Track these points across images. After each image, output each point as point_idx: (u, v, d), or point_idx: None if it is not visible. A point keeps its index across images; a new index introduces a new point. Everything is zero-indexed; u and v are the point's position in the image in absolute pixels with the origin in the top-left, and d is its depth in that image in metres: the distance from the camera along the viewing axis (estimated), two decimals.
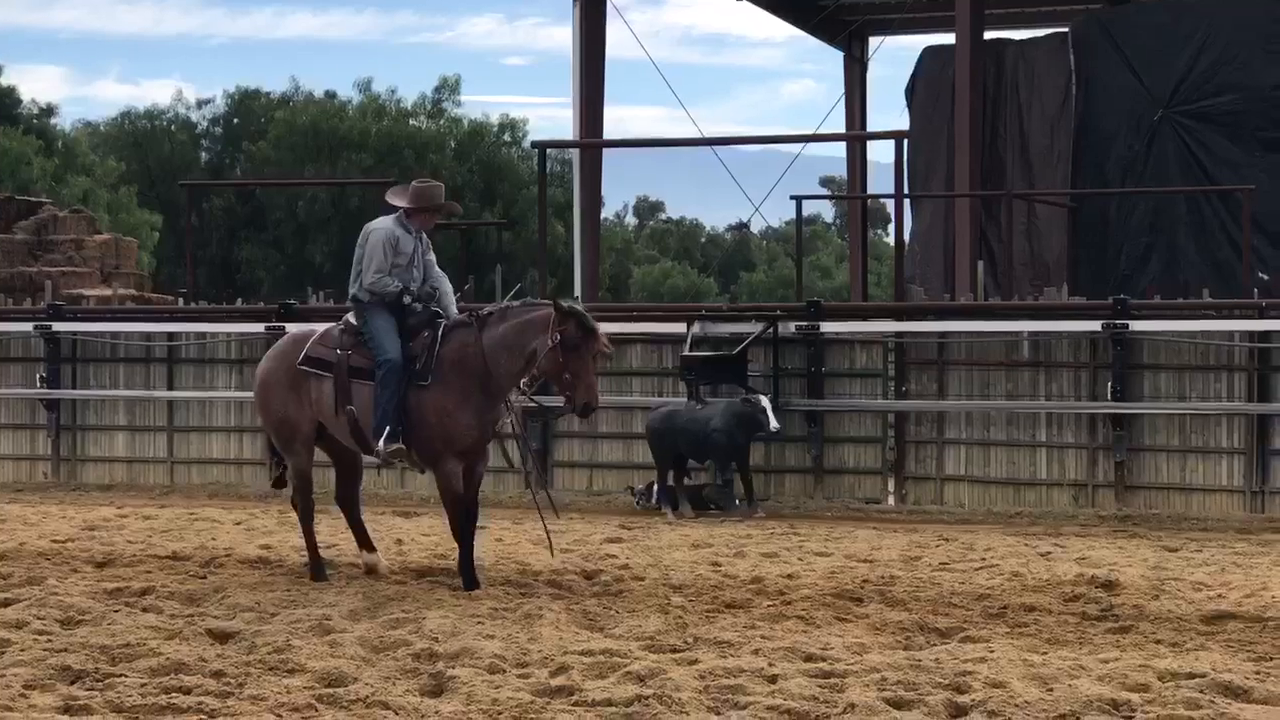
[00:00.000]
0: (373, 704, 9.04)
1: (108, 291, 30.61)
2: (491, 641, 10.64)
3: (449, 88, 70.76)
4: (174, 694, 9.21)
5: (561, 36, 35.90)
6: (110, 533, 16.90)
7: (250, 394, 22.38)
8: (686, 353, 21.01)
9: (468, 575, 13.23)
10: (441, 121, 69.87)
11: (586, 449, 22.03)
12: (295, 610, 11.83)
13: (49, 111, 71.50)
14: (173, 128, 73.03)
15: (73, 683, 9.54)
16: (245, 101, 73.31)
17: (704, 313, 22.38)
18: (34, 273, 31.04)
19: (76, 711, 8.87)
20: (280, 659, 10.09)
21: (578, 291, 32.26)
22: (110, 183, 63.98)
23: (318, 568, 13.73)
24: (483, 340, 13.25)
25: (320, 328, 14.09)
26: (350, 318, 13.78)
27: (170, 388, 23.21)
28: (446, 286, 13.90)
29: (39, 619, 11.40)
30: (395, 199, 13.94)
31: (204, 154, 73.84)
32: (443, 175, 64.45)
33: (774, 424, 19.49)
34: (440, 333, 13.34)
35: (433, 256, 13.95)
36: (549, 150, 26.64)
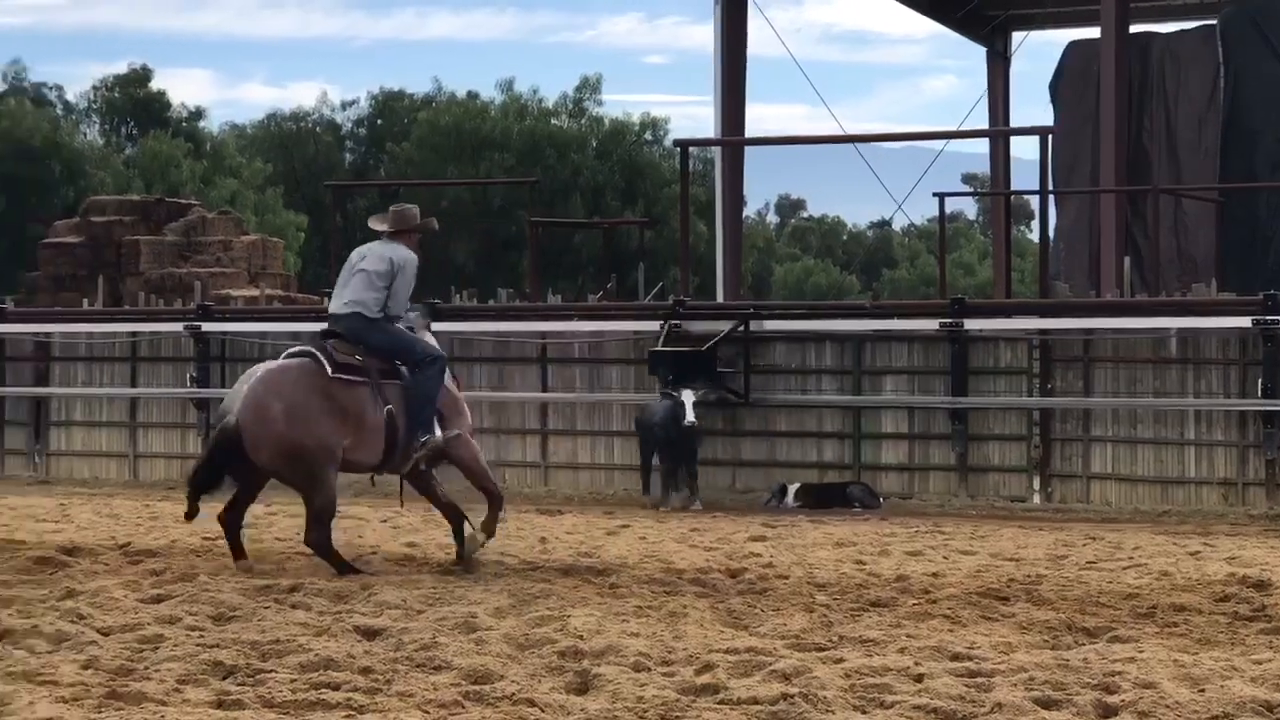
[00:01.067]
0: (519, 701, 9.08)
1: (255, 292, 30.97)
2: (636, 639, 10.64)
3: (590, 87, 70.92)
4: (323, 690, 9.29)
5: (701, 35, 36.09)
6: (259, 530, 17.06)
7: None
8: (655, 348, 21.50)
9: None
10: (583, 121, 70.03)
11: (729, 447, 22.00)
12: (441, 607, 11.90)
13: (197, 115, 72.48)
14: (318, 129, 73.78)
15: (225, 678, 9.65)
16: (388, 102, 73.91)
17: (680, 310, 22.53)
18: (183, 274, 31.47)
19: (229, 706, 8.98)
20: (427, 656, 10.16)
21: (719, 290, 32.23)
22: (257, 184, 64.75)
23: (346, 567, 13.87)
24: None
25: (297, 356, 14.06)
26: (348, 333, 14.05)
27: None
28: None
29: (191, 615, 11.55)
30: (377, 225, 14.68)
31: (348, 155, 74.53)
32: (585, 174, 64.82)
33: (688, 418, 20.04)
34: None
35: None
36: (690, 149, 26.67)
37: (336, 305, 14.33)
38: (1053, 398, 20.94)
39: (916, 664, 9.92)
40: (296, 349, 14.19)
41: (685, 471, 20.65)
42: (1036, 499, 20.83)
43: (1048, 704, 9.02)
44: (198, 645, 10.43)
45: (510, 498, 21.00)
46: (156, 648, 10.40)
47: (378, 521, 17.95)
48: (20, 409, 25.01)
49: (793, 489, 20.42)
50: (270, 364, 14.14)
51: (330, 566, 13.77)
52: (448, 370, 14.45)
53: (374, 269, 14.25)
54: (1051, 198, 30.40)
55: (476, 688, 9.36)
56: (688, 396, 20.37)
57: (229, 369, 23.86)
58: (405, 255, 14.34)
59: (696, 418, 20.30)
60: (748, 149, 33.76)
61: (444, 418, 14.17)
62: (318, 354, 13.98)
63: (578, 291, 49.32)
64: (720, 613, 11.80)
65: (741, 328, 21.64)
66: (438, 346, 14.52)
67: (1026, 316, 22.10)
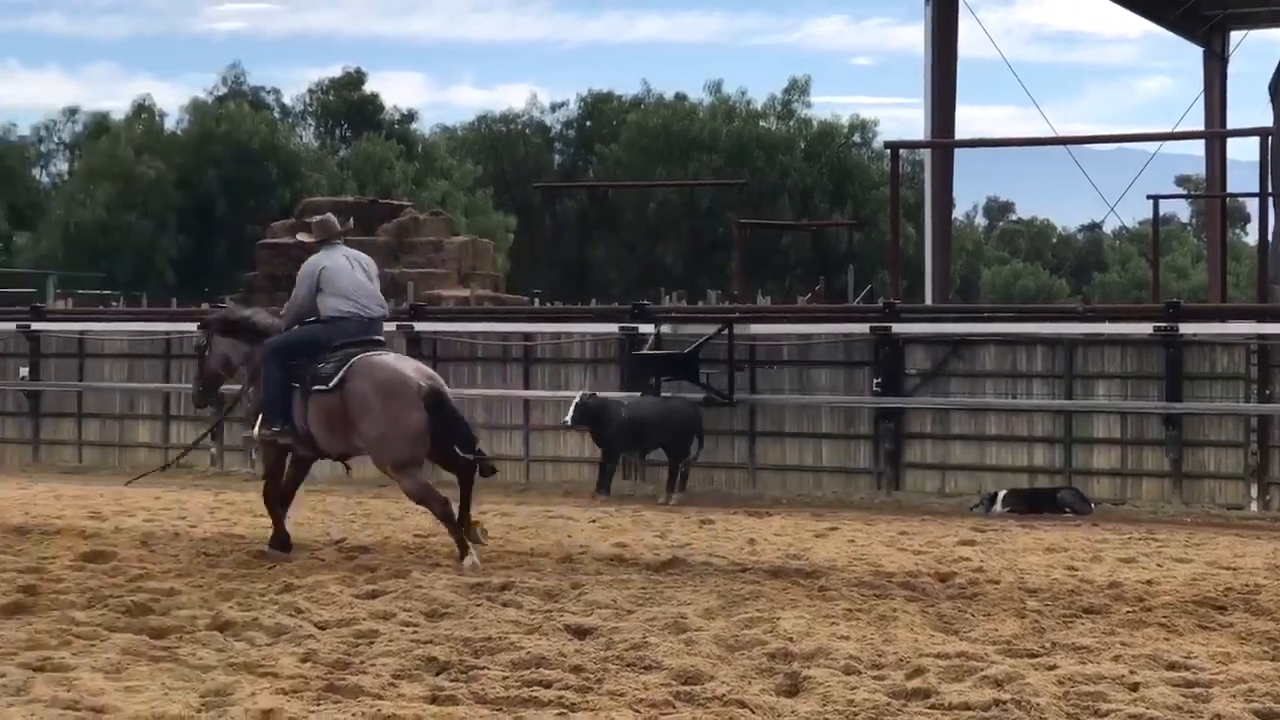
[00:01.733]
0: (729, 702, 9.10)
1: (465, 292, 31.30)
2: (846, 642, 10.62)
3: (798, 89, 70.88)
4: (535, 687, 9.38)
5: (909, 36, 35.90)
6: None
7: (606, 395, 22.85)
8: (638, 352, 22.29)
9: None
10: (791, 122, 69.98)
11: (938, 450, 21.85)
12: (651, 608, 11.96)
13: (409, 117, 73.52)
14: (527, 131, 74.42)
15: (438, 674, 9.77)
16: (597, 104, 74.39)
17: (673, 314, 23.83)
18: (395, 274, 31.87)
19: (443, 701, 9.09)
20: (637, 655, 10.21)
21: (928, 292, 32.03)
22: (467, 186, 65.49)
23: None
24: None
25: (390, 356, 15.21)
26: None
27: (526, 387, 23.64)
28: None
29: (405, 611, 11.72)
30: (307, 237, 15.98)
31: (557, 157, 75.12)
32: (793, 176, 64.63)
33: (566, 417, 21.18)
34: None
35: None
36: (900, 150, 26.54)
37: (365, 309, 15.15)
38: (1272, 404, 20.53)
39: (1131, 672, 9.80)
40: (368, 351, 14.95)
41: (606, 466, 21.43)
42: (1254, 507, 20.42)
43: (1269, 716, 8.87)
44: (411, 641, 10.59)
45: (719, 499, 21.13)
46: (372, 642, 10.58)
47: (586, 521, 18.07)
48: (240, 406, 25.44)
49: (1001, 495, 20.20)
50: (388, 354, 15.24)
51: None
52: None
53: (375, 274, 15.53)
54: (1270, 200, 29.83)
55: (687, 688, 9.40)
56: (576, 397, 21.29)
57: (440, 369, 24.11)
58: None
59: (570, 419, 21.09)
60: (957, 150, 33.49)
61: None
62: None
63: (785, 293, 49.26)
64: (930, 617, 11.73)
65: (725, 330, 22.07)
66: None
67: (1244, 321, 21.68)
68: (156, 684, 9.36)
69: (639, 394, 21.86)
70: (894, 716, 8.86)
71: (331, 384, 14.56)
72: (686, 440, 21.23)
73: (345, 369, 14.55)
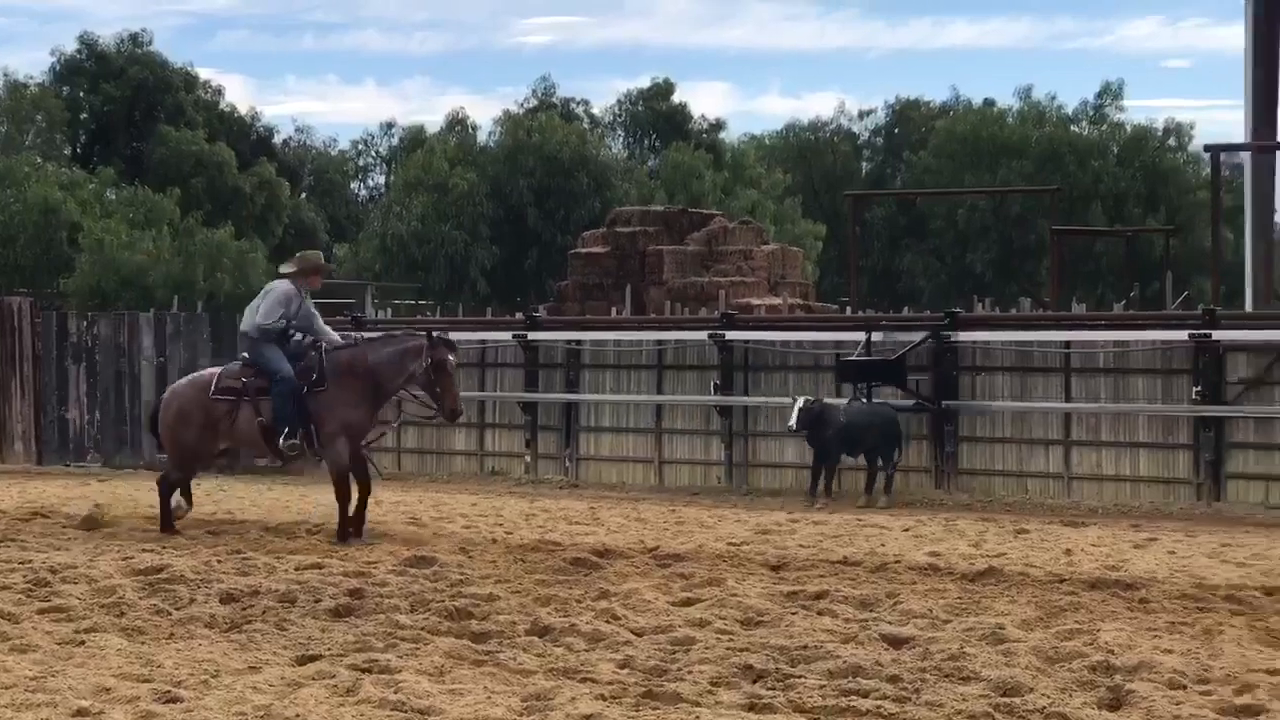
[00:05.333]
0: (1050, 715, 8.98)
1: (777, 300, 31.32)
2: (1170, 656, 10.41)
3: (1111, 93, 69.70)
4: (852, 696, 9.36)
5: (1225, 37, 34.93)
6: (782, 537, 17.31)
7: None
8: (845, 358, 22.73)
9: (342, 530, 16.60)
10: (1104, 127, 68.84)
11: (1263, 460, 21.28)
12: (967, 618, 11.85)
13: (717, 126, 73.78)
14: (835, 139, 74.30)
15: (755, 681, 9.80)
16: (905, 111, 73.98)
17: (884, 323, 24.43)
18: (705, 282, 32.02)
19: (760, 710, 9.11)
20: (955, 666, 10.13)
21: (1248, 298, 31.23)
22: (776, 194, 65.53)
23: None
24: (369, 358, 17.05)
25: (213, 370, 17.84)
26: (244, 354, 17.34)
27: (839, 395, 23.54)
28: (323, 328, 17.47)
29: (720, 619, 11.77)
30: (285, 268, 17.69)
31: (865, 164, 74.87)
32: (1105, 181, 63.42)
33: (790, 422, 21.38)
34: (324, 352, 17.07)
35: (311, 306, 17.48)
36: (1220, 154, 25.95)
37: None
38: None
39: None
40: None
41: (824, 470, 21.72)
42: None
43: None
44: (728, 649, 10.62)
45: (1033, 508, 20.85)
46: (688, 649, 10.64)
47: (899, 530, 17.97)
48: (553, 414, 25.82)
49: None
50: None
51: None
52: None
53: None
54: None
55: (1006, 700, 9.29)
56: (798, 403, 21.49)
57: (751, 377, 24.18)
58: (274, 284, 17.63)
59: (795, 424, 21.37)
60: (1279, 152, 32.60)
61: None
62: (209, 377, 17.73)
63: (1098, 300, 48.45)
64: (1259, 632, 11.44)
65: (932, 339, 22.53)
66: None
67: None
68: (479, 687, 9.53)
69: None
70: None
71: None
72: (892, 445, 21.88)
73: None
